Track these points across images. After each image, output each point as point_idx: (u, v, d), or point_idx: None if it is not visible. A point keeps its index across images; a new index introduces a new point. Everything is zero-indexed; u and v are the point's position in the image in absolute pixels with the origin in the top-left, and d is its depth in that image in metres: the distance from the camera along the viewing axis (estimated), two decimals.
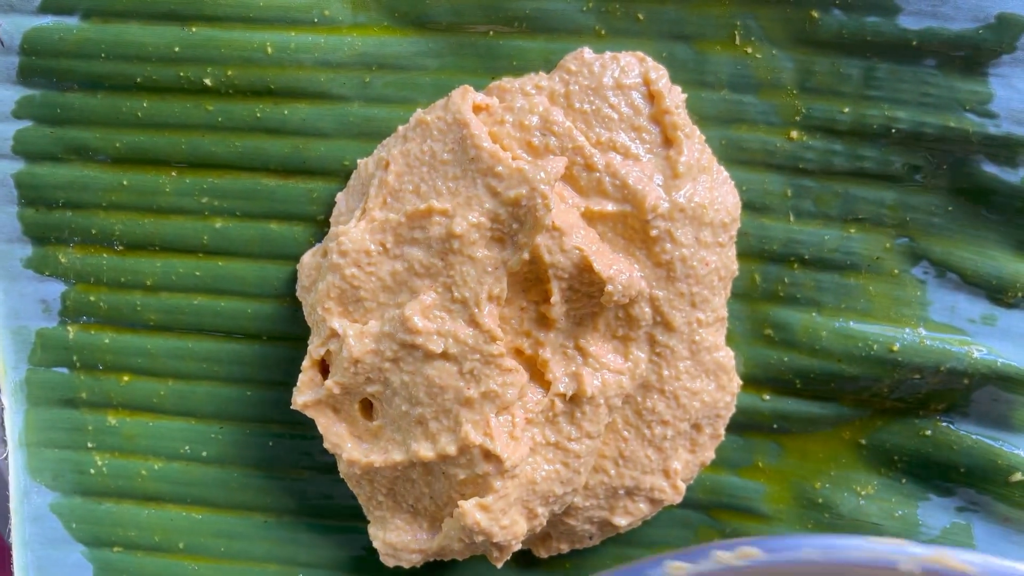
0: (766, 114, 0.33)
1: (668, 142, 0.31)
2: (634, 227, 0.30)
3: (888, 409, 0.34)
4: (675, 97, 0.31)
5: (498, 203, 0.29)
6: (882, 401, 0.34)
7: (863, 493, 0.34)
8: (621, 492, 0.32)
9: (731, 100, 0.33)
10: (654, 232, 0.30)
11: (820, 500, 0.34)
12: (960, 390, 0.33)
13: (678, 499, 0.32)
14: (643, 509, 0.32)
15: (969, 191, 0.32)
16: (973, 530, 0.34)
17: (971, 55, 0.31)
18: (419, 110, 0.32)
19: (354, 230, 0.31)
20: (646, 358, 0.31)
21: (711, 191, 0.31)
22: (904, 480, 0.34)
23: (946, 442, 0.34)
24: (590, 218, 0.31)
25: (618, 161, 0.30)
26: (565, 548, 0.34)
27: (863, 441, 0.34)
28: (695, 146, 0.31)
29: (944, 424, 0.34)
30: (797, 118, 0.33)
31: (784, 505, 0.35)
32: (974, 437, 0.34)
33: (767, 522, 0.35)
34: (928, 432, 0.34)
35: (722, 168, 0.32)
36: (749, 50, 0.32)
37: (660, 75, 0.31)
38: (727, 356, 0.32)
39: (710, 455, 0.33)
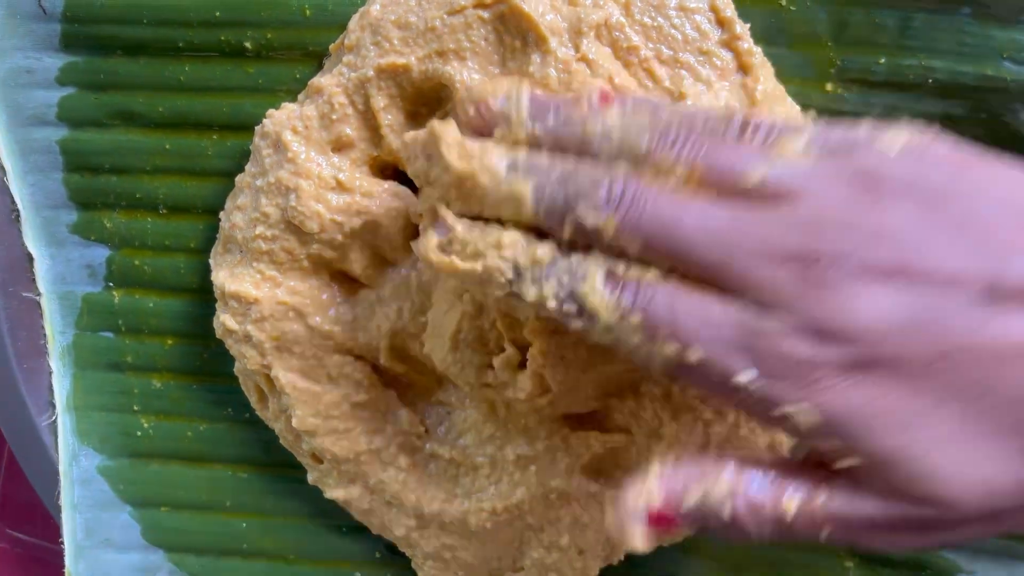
0: (801, 67, 0.33)
1: (743, 69, 0.30)
2: None
3: None
4: (744, 27, 0.30)
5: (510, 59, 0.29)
6: None
7: None
8: None
9: (765, 53, 0.32)
10: None
11: None
12: None
13: None
14: None
15: (1006, 140, 0.32)
16: None
17: (1009, 3, 0.31)
18: None
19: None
20: None
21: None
22: None
23: None
24: None
25: (688, 83, 0.30)
26: None
27: None
28: (770, 77, 0.30)
29: None
30: (832, 70, 0.33)
31: None
32: None
33: None
34: None
35: (795, 103, 0.31)
36: (783, 2, 0.32)
37: (727, 3, 0.30)
38: None
39: None
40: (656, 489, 0.23)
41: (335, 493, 0.34)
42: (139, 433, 0.37)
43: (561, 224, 0.23)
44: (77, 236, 0.36)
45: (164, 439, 0.37)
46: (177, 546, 0.37)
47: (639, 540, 0.23)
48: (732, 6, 0.30)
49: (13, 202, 0.36)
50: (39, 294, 0.37)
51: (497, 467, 0.32)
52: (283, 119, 0.31)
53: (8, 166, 0.35)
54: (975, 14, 0.31)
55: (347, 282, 0.33)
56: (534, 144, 0.24)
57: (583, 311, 0.23)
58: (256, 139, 0.32)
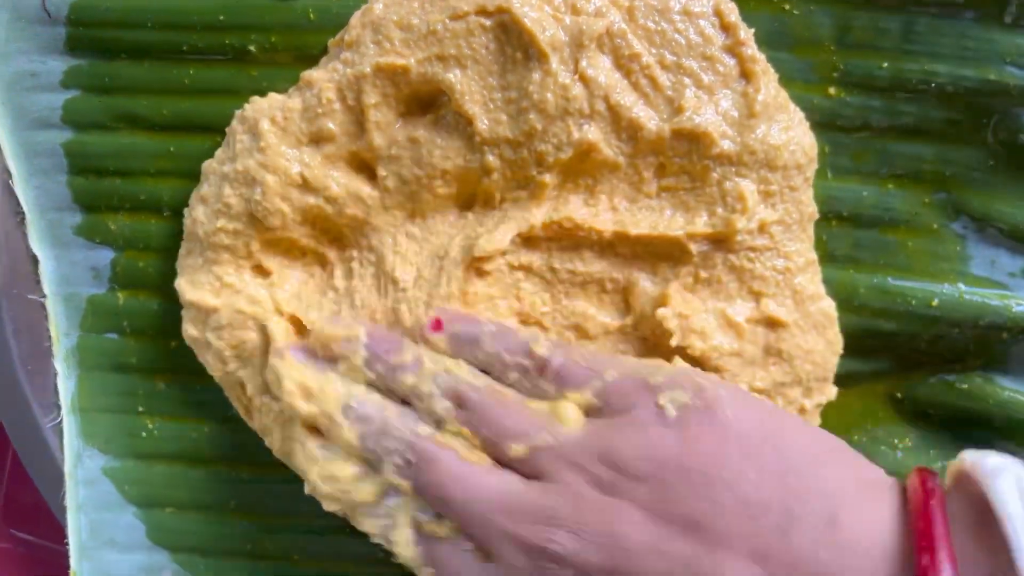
0: (803, 71, 0.33)
1: (745, 76, 0.30)
2: (699, 166, 0.30)
3: (925, 364, 0.34)
4: (748, 32, 0.30)
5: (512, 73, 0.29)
6: (919, 356, 0.34)
7: (900, 446, 0.35)
8: None
9: (768, 57, 0.32)
10: (715, 175, 0.30)
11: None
12: (999, 344, 0.33)
13: None
14: None
15: (1009, 144, 0.32)
16: None
17: (1012, 7, 0.31)
18: None
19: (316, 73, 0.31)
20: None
21: (787, 131, 0.30)
22: (941, 433, 0.35)
23: (982, 396, 0.34)
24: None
25: (689, 92, 0.30)
26: None
27: (899, 395, 0.35)
28: (772, 84, 0.30)
29: (981, 379, 0.34)
30: (835, 74, 0.33)
31: None
32: (1011, 391, 0.34)
33: None
34: (965, 386, 0.34)
35: (797, 109, 0.31)
36: (787, 6, 0.33)
37: (731, 8, 0.30)
38: (830, 306, 0.31)
39: (816, 423, 0.32)
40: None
41: (330, 507, 0.34)
42: (144, 434, 0.37)
43: (378, 468, 0.28)
44: (82, 238, 0.36)
45: (168, 440, 0.37)
46: (182, 546, 0.38)
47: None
48: (736, 11, 0.30)
49: (18, 204, 0.36)
50: (44, 296, 0.37)
51: None
52: (264, 107, 0.31)
53: (13, 169, 0.35)
54: (978, 18, 0.32)
55: None
56: (370, 383, 0.29)
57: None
58: (234, 123, 0.32)
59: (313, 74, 0.31)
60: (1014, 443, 0.34)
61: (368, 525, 0.29)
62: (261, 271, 0.33)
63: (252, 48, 0.34)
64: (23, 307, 0.37)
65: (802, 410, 0.32)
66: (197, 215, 0.33)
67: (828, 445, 0.25)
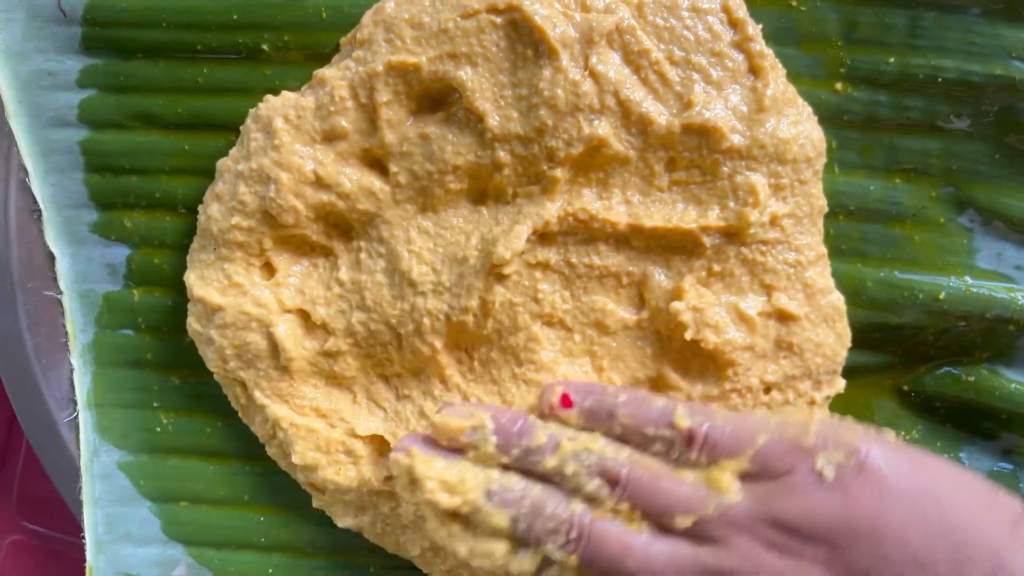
0: (810, 66, 0.33)
1: (754, 71, 0.30)
2: (710, 160, 0.30)
3: (932, 356, 0.35)
4: (756, 28, 0.31)
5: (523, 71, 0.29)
6: (927, 349, 0.34)
7: (907, 438, 0.35)
8: None
9: (776, 54, 0.33)
10: (725, 169, 0.30)
11: None
12: (1005, 337, 0.34)
13: None
14: None
15: (1015, 138, 0.33)
16: (1019, 473, 0.35)
17: (1017, 2, 0.31)
18: None
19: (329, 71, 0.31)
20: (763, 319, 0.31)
21: (796, 125, 0.30)
22: (947, 425, 0.35)
23: (989, 389, 0.34)
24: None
25: (698, 88, 0.30)
26: None
27: (905, 387, 0.35)
28: (780, 79, 0.31)
29: (987, 371, 0.34)
30: (842, 70, 0.33)
31: None
32: (1017, 384, 0.34)
33: None
34: (971, 379, 0.34)
35: (805, 103, 0.32)
36: (794, 3, 0.33)
37: (739, 4, 0.30)
38: (839, 299, 0.32)
39: (824, 415, 0.32)
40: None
41: (345, 522, 0.34)
42: (158, 429, 0.38)
43: (536, 546, 0.28)
44: (97, 235, 0.37)
45: (183, 435, 0.38)
46: (196, 540, 0.38)
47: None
48: (744, 7, 0.31)
49: (35, 202, 0.36)
50: (60, 292, 0.37)
51: None
52: (278, 105, 0.32)
53: (30, 166, 0.36)
54: (984, 13, 0.32)
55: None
56: (505, 467, 0.29)
57: None
58: (248, 121, 0.33)
59: (326, 72, 0.32)
60: (1019, 435, 0.34)
61: None
62: (269, 270, 0.34)
63: (265, 47, 0.34)
64: (38, 302, 0.37)
65: (812, 402, 0.32)
66: (211, 212, 0.33)
67: (978, 488, 0.26)
